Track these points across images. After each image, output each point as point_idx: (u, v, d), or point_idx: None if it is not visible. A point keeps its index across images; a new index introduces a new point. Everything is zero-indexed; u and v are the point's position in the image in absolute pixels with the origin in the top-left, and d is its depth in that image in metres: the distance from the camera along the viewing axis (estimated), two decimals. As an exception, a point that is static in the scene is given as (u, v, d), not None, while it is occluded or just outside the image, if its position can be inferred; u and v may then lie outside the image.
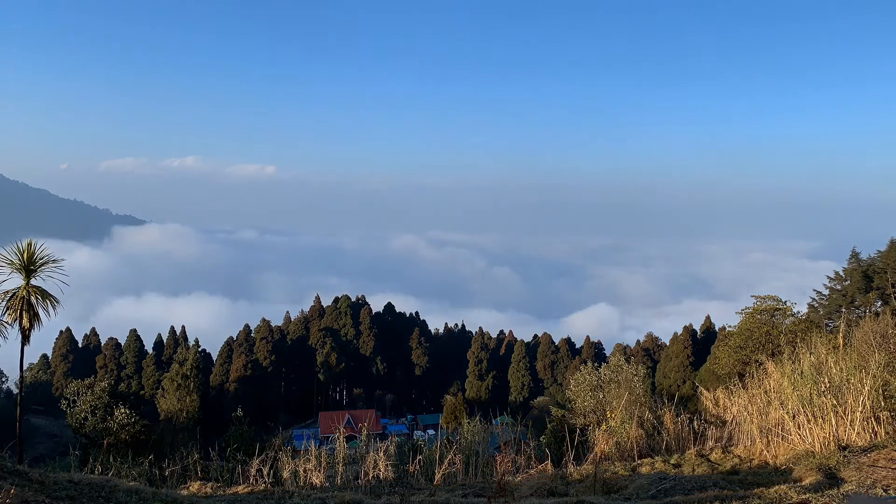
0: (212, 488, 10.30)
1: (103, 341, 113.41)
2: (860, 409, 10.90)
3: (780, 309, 41.64)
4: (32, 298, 20.60)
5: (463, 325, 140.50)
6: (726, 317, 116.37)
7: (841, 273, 58.11)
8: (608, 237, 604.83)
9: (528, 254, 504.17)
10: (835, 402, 10.99)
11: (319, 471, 11.94)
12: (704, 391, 16.08)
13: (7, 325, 20.21)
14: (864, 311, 44.09)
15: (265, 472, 11.68)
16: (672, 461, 11.70)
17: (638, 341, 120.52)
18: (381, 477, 11.92)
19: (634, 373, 23.00)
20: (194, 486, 10.50)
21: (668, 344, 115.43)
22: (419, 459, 12.83)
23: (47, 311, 21.04)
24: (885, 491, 8.02)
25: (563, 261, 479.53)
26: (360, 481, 11.75)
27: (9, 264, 20.41)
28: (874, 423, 10.88)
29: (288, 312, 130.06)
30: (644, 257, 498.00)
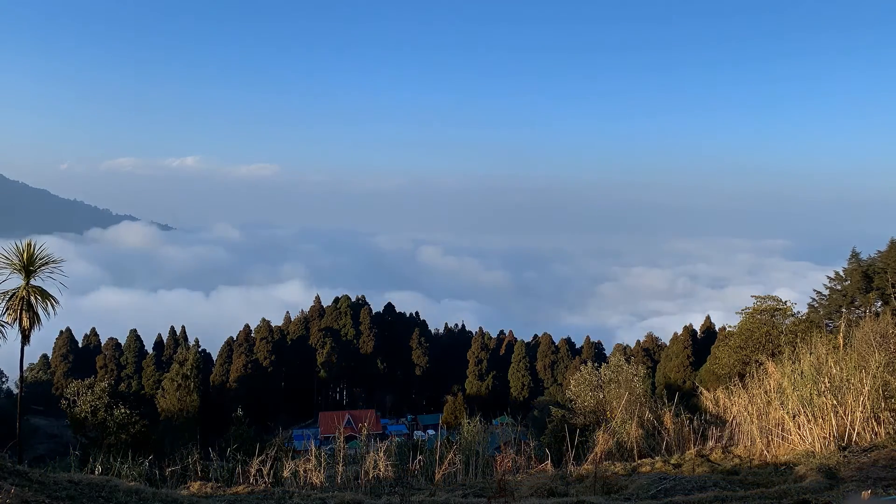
0: (212, 488, 10.29)
1: (103, 341, 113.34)
2: (860, 409, 10.90)
3: (780, 309, 41.63)
4: (32, 299, 20.60)
5: (463, 325, 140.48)
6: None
7: (841, 273, 58.05)
8: (591, 238, 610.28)
9: (525, 255, 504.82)
10: (835, 402, 10.99)
11: (319, 471, 11.94)
12: (704, 391, 16.09)
13: (7, 326, 20.21)
14: (865, 311, 44.04)
15: (265, 472, 11.67)
16: (672, 461, 11.69)
17: (638, 341, 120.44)
18: (381, 477, 11.92)
19: (634, 373, 23.01)
20: (194, 486, 10.49)
21: (668, 344, 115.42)
22: (419, 459, 12.83)
23: (47, 312, 21.05)
24: (886, 491, 8.02)
25: (561, 261, 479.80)
26: (360, 481, 11.75)
27: (9, 264, 20.41)
28: (874, 423, 10.88)
29: (288, 312, 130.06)
30: (626, 257, 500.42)
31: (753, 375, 13.74)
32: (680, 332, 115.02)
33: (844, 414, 10.92)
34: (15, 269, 20.55)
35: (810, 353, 12.34)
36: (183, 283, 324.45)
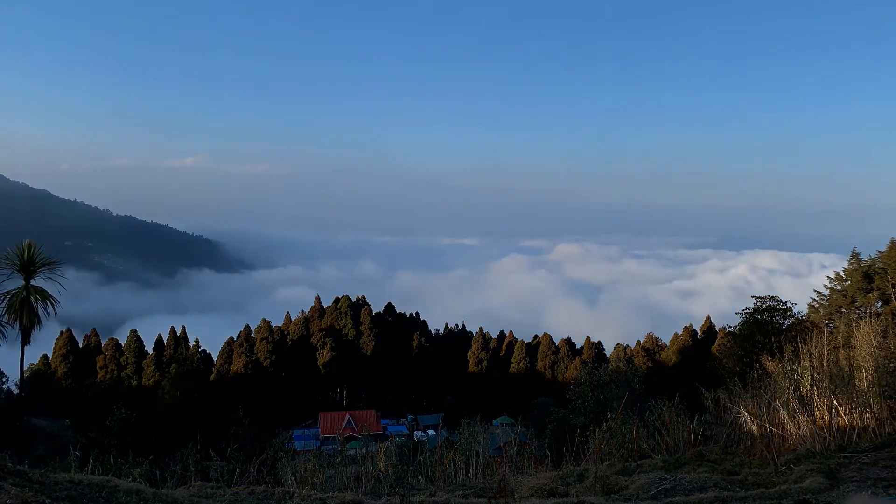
0: (212, 488, 10.29)
1: (103, 341, 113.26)
2: (861, 409, 10.91)
3: (780, 309, 41.61)
4: (32, 299, 20.61)
5: (463, 325, 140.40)
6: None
7: (841, 273, 58.00)
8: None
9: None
10: (835, 402, 11.00)
11: (320, 471, 11.94)
12: (705, 391, 16.06)
13: (7, 326, 20.21)
14: (865, 312, 43.99)
15: (265, 472, 11.67)
16: (672, 461, 11.68)
17: (638, 341, 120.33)
18: (381, 477, 11.92)
19: (634, 373, 23.02)
20: (195, 486, 10.48)
21: (668, 344, 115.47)
22: (419, 460, 12.83)
23: (47, 312, 21.06)
24: (886, 491, 8.02)
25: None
26: (360, 481, 11.75)
27: (9, 265, 20.42)
28: (875, 424, 10.88)
29: (288, 313, 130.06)
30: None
31: (754, 375, 13.74)
32: (680, 332, 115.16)
33: (845, 414, 10.92)
34: (15, 269, 20.56)
35: (811, 354, 12.34)
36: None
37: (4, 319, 20.27)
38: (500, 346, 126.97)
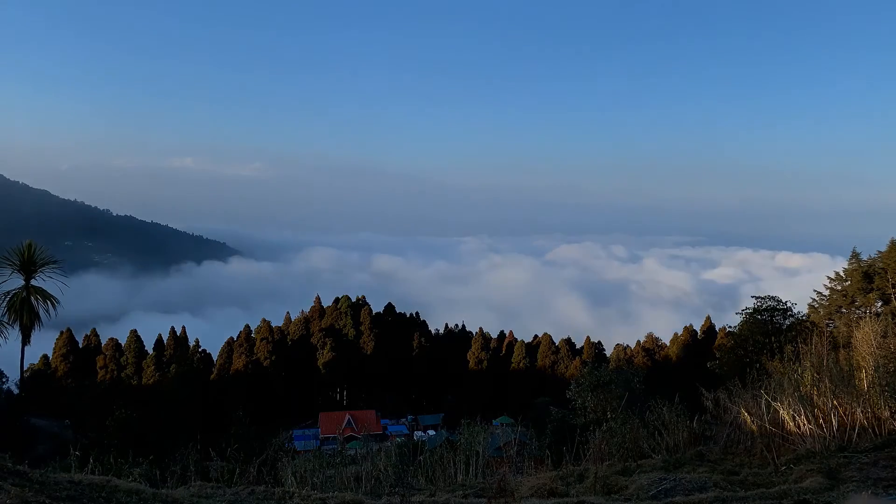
0: (212, 488, 10.29)
1: (103, 342, 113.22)
2: (861, 409, 10.90)
3: (780, 309, 41.54)
4: (32, 299, 20.61)
5: (463, 326, 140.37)
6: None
7: (841, 273, 58.01)
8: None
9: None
10: (835, 402, 10.99)
11: (320, 471, 11.94)
12: (705, 391, 16.06)
13: (7, 326, 20.21)
14: (865, 312, 44.02)
15: (265, 472, 11.67)
16: (672, 461, 11.68)
17: (638, 341, 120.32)
18: (381, 477, 11.92)
19: (634, 373, 23.01)
20: (195, 486, 10.48)
21: (668, 344, 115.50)
22: (419, 460, 12.84)
23: (47, 312, 21.05)
24: (886, 491, 8.03)
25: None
26: (360, 481, 11.75)
27: (9, 265, 20.42)
28: (875, 424, 10.87)
29: (288, 313, 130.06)
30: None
31: (754, 375, 13.73)
32: (680, 332, 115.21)
33: (844, 414, 10.92)
34: (15, 269, 20.56)
35: (811, 354, 12.34)
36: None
37: (4, 319, 20.27)
38: (500, 346, 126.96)
